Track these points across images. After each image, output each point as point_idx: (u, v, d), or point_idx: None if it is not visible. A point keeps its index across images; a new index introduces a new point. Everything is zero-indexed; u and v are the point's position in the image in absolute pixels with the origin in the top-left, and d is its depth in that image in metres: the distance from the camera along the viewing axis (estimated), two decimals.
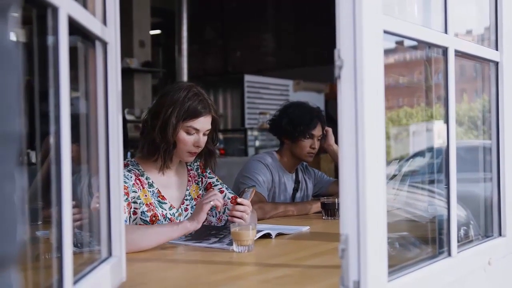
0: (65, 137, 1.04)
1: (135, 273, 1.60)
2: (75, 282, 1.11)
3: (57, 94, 1.03)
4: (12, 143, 0.61)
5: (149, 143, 2.27)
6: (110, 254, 1.40)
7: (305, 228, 2.41)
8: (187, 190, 2.41)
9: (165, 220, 2.27)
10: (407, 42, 1.58)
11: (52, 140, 1.03)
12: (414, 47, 1.75)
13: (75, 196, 1.13)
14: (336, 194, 3.05)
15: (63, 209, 1.03)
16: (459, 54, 1.62)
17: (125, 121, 5.33)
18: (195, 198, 2.42)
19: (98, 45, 1.37)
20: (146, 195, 2.24)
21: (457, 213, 1.60)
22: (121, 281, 1.44)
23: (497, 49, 1.84)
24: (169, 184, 2.36)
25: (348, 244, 1.20)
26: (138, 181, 2.23)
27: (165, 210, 2.29)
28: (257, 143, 7.59)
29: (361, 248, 1.19)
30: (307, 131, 3.05)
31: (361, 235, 1.19)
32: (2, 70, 0.60)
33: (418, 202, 2.03)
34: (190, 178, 2.45)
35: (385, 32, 1.28)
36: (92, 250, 1.44)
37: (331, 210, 2.71)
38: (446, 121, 1.56)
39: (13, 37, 0.63)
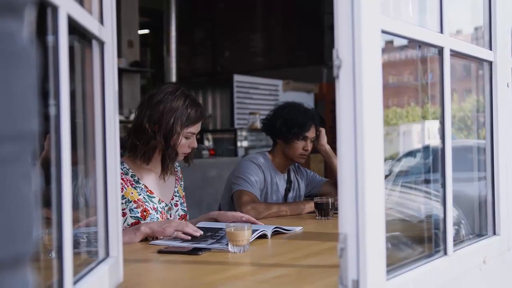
0: (65, 138, 1.03)
1: (133, 274, 1.59)
2: (75, 283, 1.10)
3: (57, 94, 1.02)
4: (29, 143, 0.61)
5: (151, 149, 2.33)
6: (107, 254, 1.40)
7: (299, 229, 2.42)
8: (176, 187, 2.51)
9: (156, 213, 2.33)
10: (397, 42, 1.58)
11: (51, 140, 1.03)
12: (404, 47, 1.76)
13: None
14: (328, 194, 3.06)
15: (63, 210, 1.02)
16: (454, 53, 1.63)
17: None
18: (182, 196, 2.53)
19: (95, 44, 1.36)
20: (132, 193, 2.30)
21: None
22: (118, 282, 1.43)
23: (491, 49, 1.86)
24: (157, 181, 2.43)
25: (347, 243, 1.20)
26: (121, 180, 2.27)
27: (155, 203, 2.36)
28: (247, 144, 7.58)
29: (360, 247, 1.19)
30: (301, 133, 3.05)
31: (360, 234, 1.19)
32: (20, 69, 0.59)
33: (411, 202, 2.04)
34: (177, 177, 2.55)
35: (383, 32, 1.28)
36: (89, 250, 1.44)
37: (324, 210, 2.72)
38: (442, 121, 1.57)
39: (28, 36, 0.63)
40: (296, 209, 2.93)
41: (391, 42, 1.54)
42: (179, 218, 2.45)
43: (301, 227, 2.43)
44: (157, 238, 2.13)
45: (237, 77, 8.18)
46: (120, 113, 7.41)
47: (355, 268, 1.20)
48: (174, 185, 2.51)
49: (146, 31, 10.86)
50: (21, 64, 0.60)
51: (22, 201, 0.59)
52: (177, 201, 2.48)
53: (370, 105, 1.21)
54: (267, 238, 2.17)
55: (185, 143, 2.36)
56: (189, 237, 2.08)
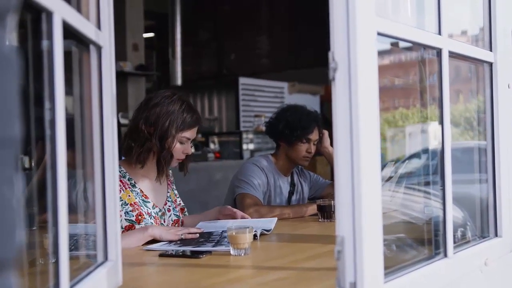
0: (60, 142, 1.03)
1: (131, 277, 1.59)
2: (72, 286, 1.11)
3: (52, 98, 1.03)
4: (11, 147, 0.61)
5: (146, 151, 2.35)
6: (106, 258, 1.40)
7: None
8: (168, 192, 2.54)
9: (150, 218, 2.35)
10: (402, 44, 1.58)
11: (47, 145, 1.03)
12: (409, 49, 1.75)
13: (70, 201, 1.13)
14: (331, 196, 3.05)
15: (59, 214, 1.03)
16: (453, 55, 1.62)
17: (119, 125, 5.35)
18: (174, 201, 2.55)
19: (92, 49, 1.37)
20: (129, 196, 2.33)
21: (454, 214, 1.60)
22: (117, 285, 1.44)
23: (491, 50, 1.85)
24: (151, 186, 2.45)
25: (344, 246, 1.20)
26: (119, 182, 2.30)
27: (149, 208, 2.38)
28: (253, 146, 7.58)
29: (357, 250, 1.19)
30: (304, 135, 3.05)
31: (357, 237, 1.19)
32: (2, 75, 0.60)
33: (414, 203, 2.03)
34: (169, 182, 2.57)
35: (379, 34, 1.28)
36: (87, 254, 1.44)
37: (327, 212, 2.71)
38: (441, 122, 1.56)
39: (11, 41, 0.63)
40: (298, 211, 2.92)
41: (396, 44, 1.54)
42: (172, 223, 2.47)
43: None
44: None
45: (242, 80, 8.18)
46: (125, 117, 7.41)
47: (352, 270, 1.19)
48: (167, 190, 2.53)
49: (151, 34, 10.88)
50: (3, 70, 0.60)
51: (3, 207, 0.60)
52: (169, 206, 2.51)
53: (366, 108, 1.21)
54: (257, 239, 2.18)
55: (180, 148, 2.38)
56: (197, 235, 2.20)
